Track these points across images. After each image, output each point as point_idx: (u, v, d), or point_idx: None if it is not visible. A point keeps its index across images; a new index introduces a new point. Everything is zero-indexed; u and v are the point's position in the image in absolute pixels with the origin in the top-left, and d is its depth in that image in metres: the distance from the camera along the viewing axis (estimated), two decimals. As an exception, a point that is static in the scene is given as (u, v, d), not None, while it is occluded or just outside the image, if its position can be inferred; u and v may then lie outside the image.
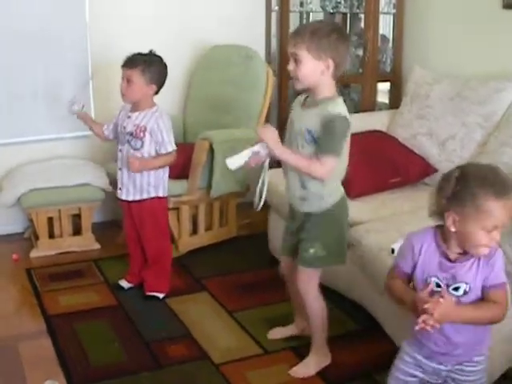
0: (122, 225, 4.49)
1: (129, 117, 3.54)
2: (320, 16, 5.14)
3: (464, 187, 2.16)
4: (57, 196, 4.22)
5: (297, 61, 2.71)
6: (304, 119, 2.81)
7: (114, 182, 4.29)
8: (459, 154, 3.89)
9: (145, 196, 3.61)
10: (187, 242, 4.30)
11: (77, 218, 4.38)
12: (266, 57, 4.97)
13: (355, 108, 4.89)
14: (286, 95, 4.82)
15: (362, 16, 4.90)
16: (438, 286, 2.29)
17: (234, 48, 4.68)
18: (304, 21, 5.17)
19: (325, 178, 2.78)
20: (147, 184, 3.59)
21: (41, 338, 3.37)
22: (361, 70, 4.80)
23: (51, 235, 4.31)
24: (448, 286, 2.27)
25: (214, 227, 4.46)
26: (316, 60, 2.70)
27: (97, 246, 4.39)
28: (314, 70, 2.72)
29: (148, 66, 3.47)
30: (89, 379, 3.04)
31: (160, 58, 3.55)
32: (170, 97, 4.66)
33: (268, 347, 3.29)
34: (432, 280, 2.30)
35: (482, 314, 2.26)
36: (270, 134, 2.72)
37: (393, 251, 3.07)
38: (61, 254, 4.31)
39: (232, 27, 4.89)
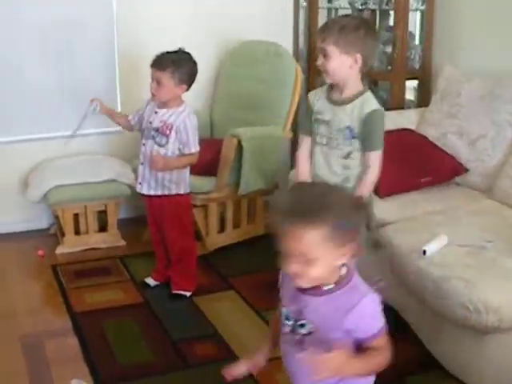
0: (147, 221, 4.48)
1: (156, 112, 3.51)
2: (348, 12, 5.09)
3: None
4: (83, 192, 4.21)
5: (325, 56, 2.75)
6: (340, 116, 2.84)
7: (139, 178, 4.30)
8: (490, 154, 3.83)
9: (166, 192, 3.58)
10: (215, 240, 4.26)
11: (102, 214, 4.37)
12: (294, 54, 4.92)
13: (384, 106, 4.80)
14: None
15: (391, 12, 4.86)
16: (287, 318, 1.96)
17: (262, 44, 4.64)
18: (332, 17, 5.11)
19: (378, 174, 2.86)
20: (169, 181, 3.55)
21: (67, 336, 3.36)
22: (389, 67, 4.74)
23: (77, 231, 4.30)
24: (296, 320, 1.94)
25: (242, 225, 4.42)
26: (344, 55, 2.74)
27: (122, 242, 4.37)
28: (342, 64, 2.76)
29: (177, 67, 3.43)
30: (116, 378, 3.03)
31: (189, 55, 3.50)
32: (197, 92, 4.61)
33: (296, 348, 3.25)
34: (283, 311, 1.99)
35: (368, 365, 1.91)
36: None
37: (424, 252, 3.02)
38: (86, 250, 4.30)
39: (260, 23, 4.85)
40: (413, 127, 4.28)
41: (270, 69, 4.52)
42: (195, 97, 4.44)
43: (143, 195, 3.64)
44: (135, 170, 4.31)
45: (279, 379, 2.98)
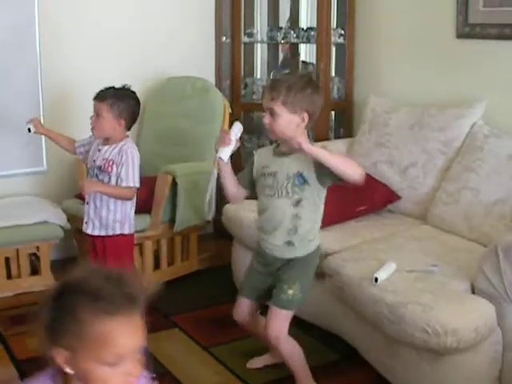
0: (80, 262, 4.38)
1: (99, 150, 3.47)
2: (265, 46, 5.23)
3: (62, 307, 1.53)
4: (14, 235, 4.08)
5: (273, 114, 2.79)
6: (288, 165, 2.87)
7: (70, 219, 4.21)
8: (422, 181, 3.96)
9: (110, 232, 3.51)
10: (150, 278, 4.21)
11: (33, 256, 4.25)
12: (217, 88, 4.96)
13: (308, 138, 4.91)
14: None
15: (309, 46, 4.99)
16: None
17: (189, 80, 4.66)
18: (254, 52, 5.19)
19: (358, 180, 2.78)
20: (113, 220, 3.49)
21: (14, 386, 3.24)
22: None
23: (8, 276, 4.17)
24: None
25: (176, 262, 4.40)
26: (292, 114, 2.78)
27: (55, 285, 4.25)
28: (290, 123, 2.80)
29: (117, 100, 3.39)
30: (73, 427, 2.93)
31: (132, 92, 3.49)
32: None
33: (251, 381, 3.25)
34: None
35: None
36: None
37: (376, 280, 3.09)
38: (19, 294, 4.15)
39: (183, 59, 4.88)
40: (342, 157, 4.38)
41: (197, 104, 4.55)
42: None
43: (87, 235, 3.57)
44: (65, 210, 4.25)
45: None
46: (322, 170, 2.77)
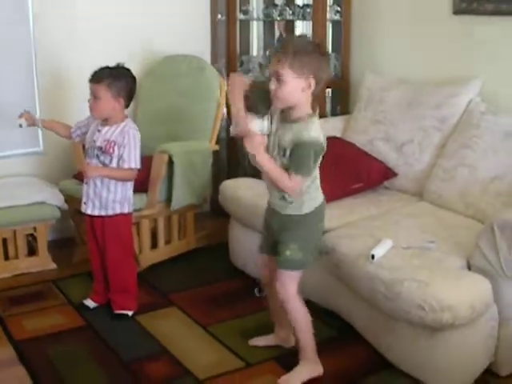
0: (77, 242, 4.40)
1: (99, 131, 3.46)
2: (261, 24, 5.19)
3: None
4: (12, 216, 4.07)
5: (279, 79, 2.75)
6: (280, 133, 2.86)
7: (67, 199, 4.21)
8: (418, 158, 3.96)
9: (110, 212, 3.53)
10: (148, 257, 4.22)
11: (31, 237, 4.25)
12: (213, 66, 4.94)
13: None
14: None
15: (305, 23, 4.96)
16: None
17: (185, 59, 4.63)
18: (250, 29, 5.16)
19: (291, 194, 2.86)
20: (113, 201, 3.51)
21: (13, 366, 3.22)
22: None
23: (6, 257, 4.16)
24: None
25: (174, 240, 4.40)
26: (298, 78, 2.74)
27: (53, 265, 4.26)
28: (296, 87, 2.76)
29: (114, 79, 3.39)
30: (72, 406, 2.96)
31: (128, 70, 3.48)
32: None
33: (250, 359, 3.26)
34: None
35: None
36: (256, 141, 2.76)
37: (373, 257, 3.10)
38: (17, 275, 4.16)
39: (179, 38, 4.85)
40: (339, 135, 4.38)
41: (193, 83, 4.52)
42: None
43: (86, 215, 3.58)
44: (62, 191, 4.25)
45: None
46: (291, 157, 2.80)
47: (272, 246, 3.05)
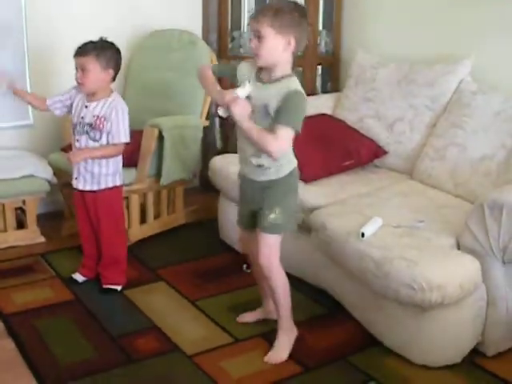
0: (66, 216, 4.39)
1: (86, 107, 3.44)
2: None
3: None
4: (0, 189, 4.04)
5: (260, 38, 2.76)
6: (262, 94, 2.83)
7: (57, 173, 4.19)
8: (408, 136, 3.97)
9: (102, 186, 3.52)
10: (137, 232, 4.22)
11: (19, 210, 4.24)
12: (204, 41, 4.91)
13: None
14: (226, 80, 4.76)
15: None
16: None
17: (174, 33, 4.60)
18: (241, 4, 5.11)
19: (275, 153, 2.81)
20: (105, 175, 3.50)
21: (2, 339, 3.22)
22: (299, 53, 4.78)
23: (-5, 230, 4.16)
24: None
25: (163, 215, 4.40)
26: (278, 36, 2.75)
27: (42, 239, 4.25)
28: (277, 46, 2.76)
29: (101, 50, 3.38)
30: (62, 379, 2.93)
31: (112, 43, 3.46)
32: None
33: (237, 335, 3.28)
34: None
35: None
36: (241, 107, 2.80)
37: (363, 235, 3.11)
38: (5, 249, 4.14)
39: (169, 12, 4.82)
40: (329, 112, 4.37)
41: (184, 57, 4.49)
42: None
43: (77, 190, 3.56)
44: (51, 164, 4.23)
45: (224, 367, 3.03)
46: (278, 112, 2.78)
47: (251, 218, 3.06)
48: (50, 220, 4.48)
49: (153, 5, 4.80)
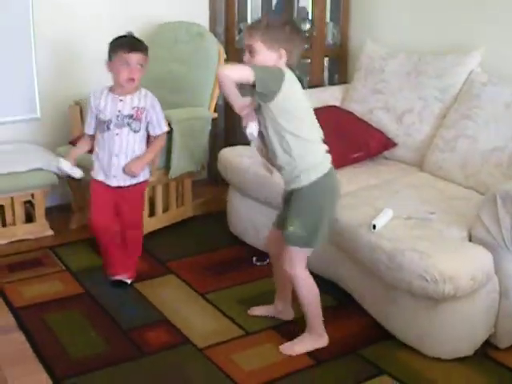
0: (74, 209, 4.39)
1: (121, 100, 3.41)
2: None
3: None
4: (9, 183, 4.04)
5: (251, 52, 2.81)
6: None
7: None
8: (418, 128, 3.95)
9: (141, 179, 3.55)
10: (146, 224, 4.15)
11: (28, 204, 4.24)
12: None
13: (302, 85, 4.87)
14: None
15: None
16: None
17: (183, 25, 4.58)
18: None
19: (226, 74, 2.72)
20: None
21: (13, 333, 3.23)
22: (306, 46, 4.78)
23: (3, 224, 4.15)
24: None
25: (171, 208, 4.39)
26: (269, 50, 2.79)
27: (50, 232, 4.25)
28: (268, 59, 2.80)
29: (146, 49, 3.42)
30: (72, 373, 2.93)
31: None
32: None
33: (248, 328, 3.27)
34: None
35: None
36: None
37: (374, 227, 3.10)
38: (14, 242, 4.15)
39: (177, 5, 4.81)
40: (337, 104, 4.35)
41: (192, 50, 4.48)
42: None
43: (108, 187, 3.50)
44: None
45: (236, 360, 3.03)
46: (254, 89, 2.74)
47: (282, 219, 3.06)
48: (58, 213, 4.47)
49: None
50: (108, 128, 3.43)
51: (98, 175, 3.50)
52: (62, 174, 3.69)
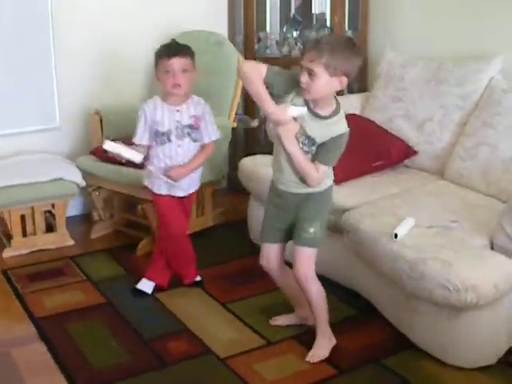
0: (95, 219, 4.40)
1: (178, 110, 3.40)
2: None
3: None
4: (30, 193, 4.06)
5: (311, 75, 2.75)
6: (310, 126, 2.86)
7: (85, 176, 4.20)
8: (438, 136, 3.93)
9: (199, 185, 3.64)
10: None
11: (48, 213, 4.25)
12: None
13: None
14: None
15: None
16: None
17: (202, 34, 4.59)
18: (266, 4, 5.10)
19: (312, 184, 2.92)
20: (198, 175, 3.59)
21: (34, 343, 3.24)
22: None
23: (24, 233, 4.17)
24: None
25: (192, 218, 4.37)
26: (330, 76, 2.75)
27: (71, 242, 4.26)
28: (328, 85, 2.78)
29: (193, 54, 3.44)
30: (95, 383, 2.95)
31: None
32: (135, 84, 4.60)
33: (270, 338, 3.26)
34: None
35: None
36: (290, 129, 2.83)
37: (396, 236, 3.08)
38: (34, 252, 4.17)
39: (197, 13, 4.82)
40: (357, 112, 4.34)
41: (211, 58, 4.47)
42: (132, 90, 4.42)
43: (171, 197, 3.52)
44: (79, 167, 4.23)
45: (258, 370, 3.02)
46: (322, 148, 2.87)
47: (277, 232, 3.09)
48: (78, 223, 4.49)
49: (180, 7, 4.80)
50: (169, 140, 3.40)
51: (161, 189, 3.49)
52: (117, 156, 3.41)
